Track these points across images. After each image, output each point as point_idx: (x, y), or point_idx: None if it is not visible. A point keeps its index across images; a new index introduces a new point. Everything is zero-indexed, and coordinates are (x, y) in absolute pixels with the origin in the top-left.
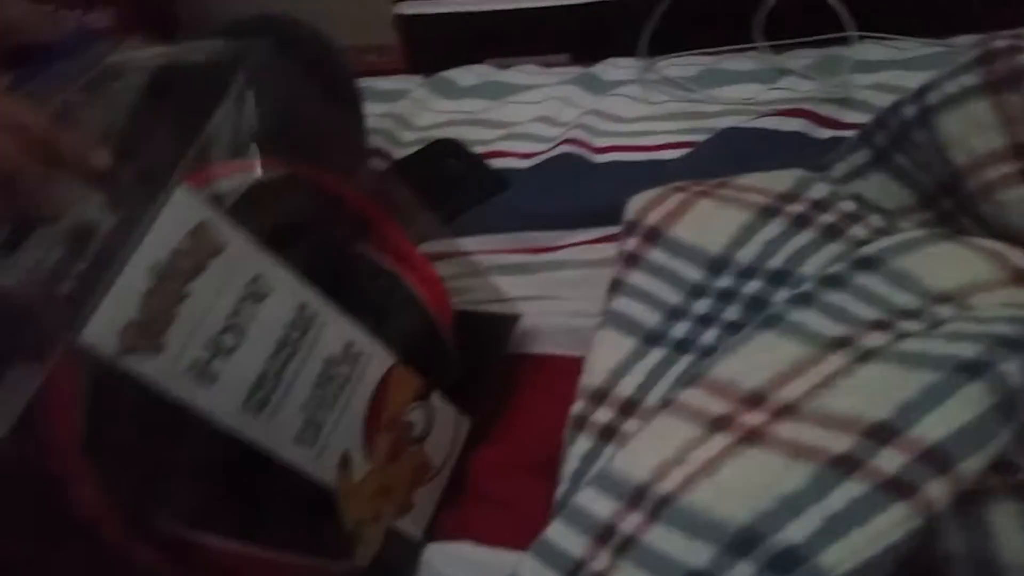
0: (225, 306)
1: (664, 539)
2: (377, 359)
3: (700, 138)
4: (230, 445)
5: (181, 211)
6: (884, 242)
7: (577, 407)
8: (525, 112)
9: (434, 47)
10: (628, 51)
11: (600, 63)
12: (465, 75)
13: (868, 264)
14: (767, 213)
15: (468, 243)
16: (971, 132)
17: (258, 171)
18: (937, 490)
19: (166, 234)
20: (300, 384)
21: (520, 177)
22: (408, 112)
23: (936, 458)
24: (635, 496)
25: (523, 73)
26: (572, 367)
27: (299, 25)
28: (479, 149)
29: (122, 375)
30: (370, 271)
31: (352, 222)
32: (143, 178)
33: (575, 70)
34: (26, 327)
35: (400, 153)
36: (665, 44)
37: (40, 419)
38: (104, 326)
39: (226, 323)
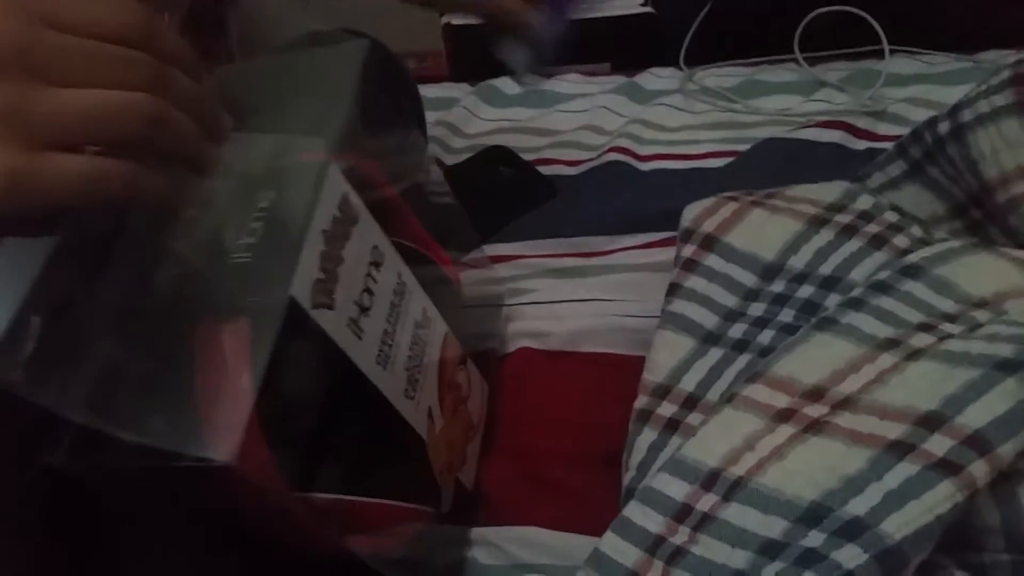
0: (362, 270)
1: (740, 515)
2: (438, 325)
3: (742, 147)
4: (364, 403)
5: (335, 184)
6: (925, 251)
7: (641, 401)
8: (571, 120)
9: (481, 55)
10: (667, 61)
11: (642, 73)
12: (511, 84)
13: (912, 272)
14: (817, 222)
15: (521, 247)
16: (1001, 149)
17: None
18: (979, 470)
19: (329, 203)
20: (402, 343)
21: (568, 184)
22: (459, 120)
23: (978, 442)
24: (709, 480)
25: (567, 82)
26: (626, 364)
27: (375, 43)
28: (528, 156)
29: (312, 329)
30: (409, 250)
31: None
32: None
33: (617, 79)
34: (203, 293)
35: (452, 160)
36: (703, 55)
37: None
38: (303, 282)
39: (364, 284)
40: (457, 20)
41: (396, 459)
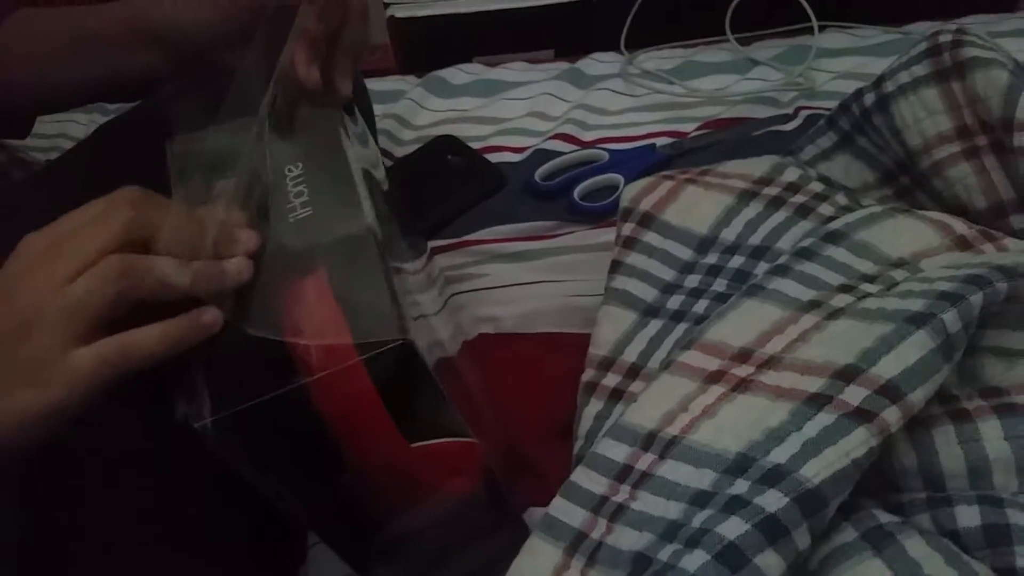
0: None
1: (674, 471)
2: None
3: (682, 127)
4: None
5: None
6: (848, 217)
7: (587, 375)
8: (517, 108)
9: (426, 47)
10: (608, 45)
11: (583, 58)
12: (457, 74)
13: (835, 237)
14: (746, 196)
15: (470, 234)
16: (922, 117)
17: None
18: (892, 416)
19: (351, 154)
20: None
21: (515, 170)
22: (406, 112)
23: (890, 391)
24: (647, 441)
25: (512, 70)
26: (576, 341)
27: None
28: (475, 145)
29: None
30: None
31: None
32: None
33: (560, 65)
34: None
35: (401, 152)
36: (642, 38)
37: None
38: (370, 217)
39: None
40: (402, 13)
41: (437, 399)
